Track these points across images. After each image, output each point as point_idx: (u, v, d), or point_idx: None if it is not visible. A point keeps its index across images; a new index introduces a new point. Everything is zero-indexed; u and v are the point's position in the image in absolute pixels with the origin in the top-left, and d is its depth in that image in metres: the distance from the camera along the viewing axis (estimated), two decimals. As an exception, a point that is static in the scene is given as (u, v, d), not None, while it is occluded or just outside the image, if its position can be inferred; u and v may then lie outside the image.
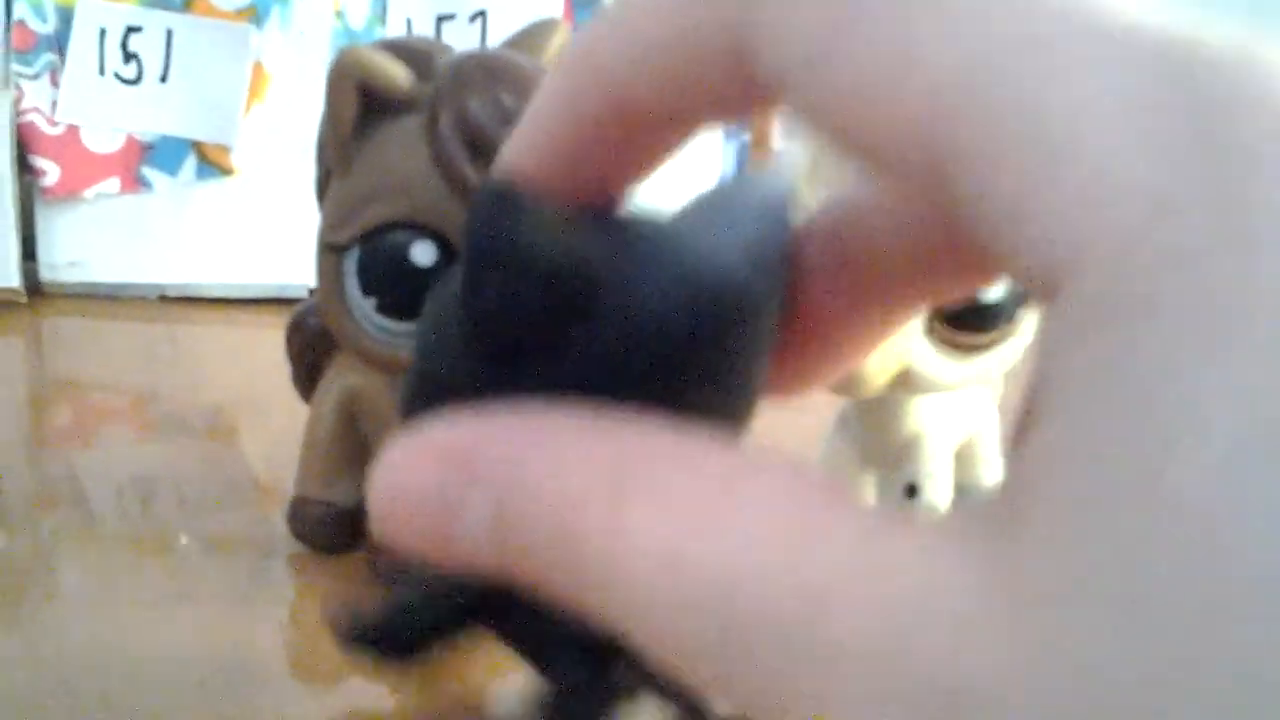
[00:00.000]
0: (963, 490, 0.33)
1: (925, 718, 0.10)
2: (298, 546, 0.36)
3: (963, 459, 0.34)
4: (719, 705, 0.12)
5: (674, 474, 0.12)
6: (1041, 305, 0.11)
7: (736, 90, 0.13)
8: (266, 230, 0.59)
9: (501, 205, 0.13)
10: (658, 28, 0.13)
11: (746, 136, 0.67)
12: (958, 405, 0.33)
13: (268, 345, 0.56)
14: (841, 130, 0.12)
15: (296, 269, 0.59)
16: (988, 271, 0.16)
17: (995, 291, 0.30)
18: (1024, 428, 0.11)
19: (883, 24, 0.11)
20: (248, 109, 0.58)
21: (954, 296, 0.16)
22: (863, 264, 0.16)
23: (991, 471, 0.34)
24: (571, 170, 0.15)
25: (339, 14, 0.59)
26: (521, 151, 0.15)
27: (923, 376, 0.30)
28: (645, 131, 0.14)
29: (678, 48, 0.13)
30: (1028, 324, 0.31)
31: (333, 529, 0.35)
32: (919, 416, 0.32)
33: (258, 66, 0.57)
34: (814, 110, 0.12)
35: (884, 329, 0.16)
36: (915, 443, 0.32)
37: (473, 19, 0.59)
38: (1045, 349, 0.11)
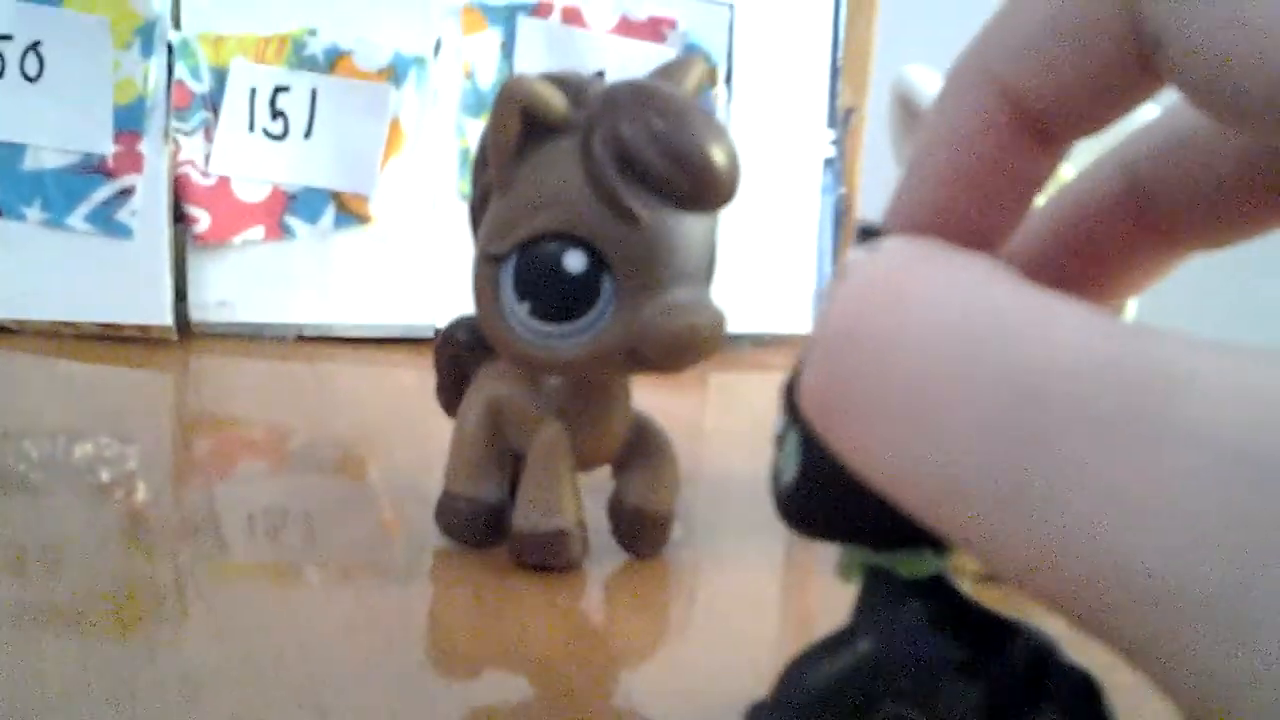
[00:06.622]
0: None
1: None
2: (423, 560, 0.39)
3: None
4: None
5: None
6: None
7: (1127, 54, 0.13)
8: (399, 275, 0.63)
9: None
10: (1045, 6, 0.14)
11: (842, 190, 0.70)
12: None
13: (397, 382, 0.59)
14: (1213, 76, 0.13)
15: (425, 311, 0.63)
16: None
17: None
18: None
19: None
20: (385, 162, 0.62)
21: (1232, 239, 0.17)
22: (1164, 205, 0.16)
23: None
24: (967, 204, 0.16)
25: (469, 75, 0.63)
26: (914, 192, 0.16)
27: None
28: (1038, 136, 0.15)
29: (1067, 21, 0.14)
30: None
31: (479, 524, 0.38)
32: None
33: (395, 123, 0.62)
34: (1190, 57, 0.13)
35: (1164, 268, 0.18)
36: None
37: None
38: None
